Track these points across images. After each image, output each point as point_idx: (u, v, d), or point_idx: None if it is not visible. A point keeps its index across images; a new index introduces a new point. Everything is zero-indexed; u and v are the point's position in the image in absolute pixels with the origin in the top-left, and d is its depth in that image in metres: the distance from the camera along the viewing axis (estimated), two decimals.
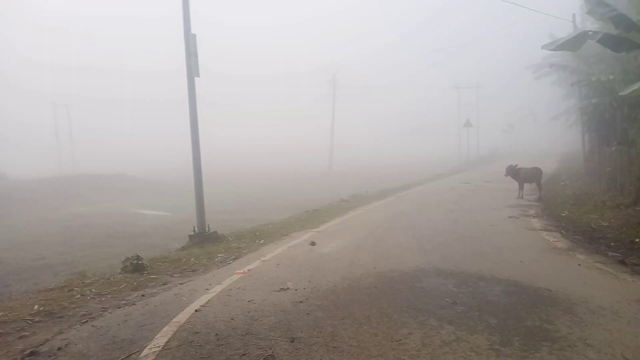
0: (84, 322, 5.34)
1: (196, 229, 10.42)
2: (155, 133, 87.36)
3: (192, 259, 8.52)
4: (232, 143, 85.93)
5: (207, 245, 9.81)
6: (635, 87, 12.67)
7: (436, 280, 6.31)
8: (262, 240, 10.04)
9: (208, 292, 6.17)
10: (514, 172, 16.27)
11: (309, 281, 6.44)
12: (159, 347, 4.39)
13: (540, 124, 72.04)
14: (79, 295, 6.51)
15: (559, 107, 52.55)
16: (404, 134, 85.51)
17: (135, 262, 8.03)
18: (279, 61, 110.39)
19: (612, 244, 8.79)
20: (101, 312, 5.72)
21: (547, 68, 49.15)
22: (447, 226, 10.98)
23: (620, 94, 13.59)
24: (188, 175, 12.33)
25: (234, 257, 8.57)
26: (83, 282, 7.32)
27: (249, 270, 7.31)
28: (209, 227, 10.55)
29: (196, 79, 10.24)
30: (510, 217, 12.23)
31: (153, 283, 7.17)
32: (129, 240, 19.04)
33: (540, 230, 10.33)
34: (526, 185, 16.54)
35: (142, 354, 4.26)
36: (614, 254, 7.99)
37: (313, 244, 9.11)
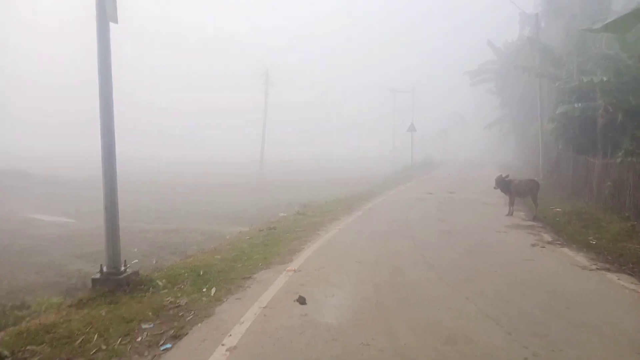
0: None
1: (104, 269, 6.54)
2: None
3: (95, 336, 4.74)
4: (155, 141, 79.09)
5: (122, 299, 5.98)
6: None
7: None
8: (214, 289, 6.39)
9: None
10: (504, 184, 13.72)
11: None
12: None
13: (470, 131, 72.59)
14: None
15: (491, 115, 52.50)
16: (340, 134, 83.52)
17: None
18: (220, 54, 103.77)
19: None
20: None
21: (484, 75, 49.24)
22: (468, 261, 7.95)
23: None
24: (96, 173, 8.32)
25: (172, 332, 4.89)
26: None
27: None
28: (126, 265, 6.71)
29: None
30: (533, 245, 9.49)
31: None
32: (17, 257, 14.43)
33: (597, 269, 7.59)
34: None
35: None
36: None
37: (302, 301, 5.64)
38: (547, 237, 10.45)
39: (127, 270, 6.73)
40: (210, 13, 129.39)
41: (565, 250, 9.12)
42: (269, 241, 9.86)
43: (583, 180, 16.80)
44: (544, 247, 9.36)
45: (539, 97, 23.95)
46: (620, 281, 6.85)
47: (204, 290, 6.40)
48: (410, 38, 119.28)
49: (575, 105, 16.88)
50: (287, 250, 8.73)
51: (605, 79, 14.93)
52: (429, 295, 5.94)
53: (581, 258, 8.40)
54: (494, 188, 13.84)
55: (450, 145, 70.31)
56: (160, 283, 6.77)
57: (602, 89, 14.91)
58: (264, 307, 5.52)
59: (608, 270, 7.56)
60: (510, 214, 13.54)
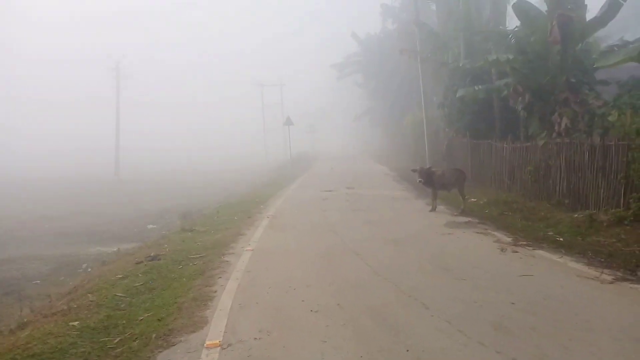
0: None
1: None
2: None
3: None
4: None
5: None
6: (619, 58, 9.36)
7: None
8: None
9: None
10: (427, 175, 11.93)
11: None
12: None
13: (339, 125, 72.76)
14: None
15: (360, 108, 52.34)
16: (206, 135, 78.36)
17: None
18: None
19: None
20: None
21: (351, 67, 48.77)
22: (460, 288, 5.70)
23: (595, 65, 10.27)
24: None
25: None
26: None
27: None
28: None
29: None
30: (502, 250, 7.63)
31: None
32: None
33: (615, 280, 5.82)
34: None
35: None
36: None
37: None
38: (502, 236, 8.72)
39: None
40: None
41: (543, 253, 7.38)
42: (155, 282, 6.60)
43: (487, 166, 15.87)
44: (516, 251, 7.52)
45: (421, 83, 23.00)
46: None
47: None
48: (277, 38, 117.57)
49: (476, 87, 15.81)
50: (192, 300, 5.60)
51: (511, 57, 13.95)
52: None
53: (575, 264, 6.65)
54: (419, 181, 11.97)
55: (320, 141, 69.81)
56: None
57: (511, 68, 13.88)
58: None
59: (625, 280, 5.84)
60: (434, 209, 11.83)
